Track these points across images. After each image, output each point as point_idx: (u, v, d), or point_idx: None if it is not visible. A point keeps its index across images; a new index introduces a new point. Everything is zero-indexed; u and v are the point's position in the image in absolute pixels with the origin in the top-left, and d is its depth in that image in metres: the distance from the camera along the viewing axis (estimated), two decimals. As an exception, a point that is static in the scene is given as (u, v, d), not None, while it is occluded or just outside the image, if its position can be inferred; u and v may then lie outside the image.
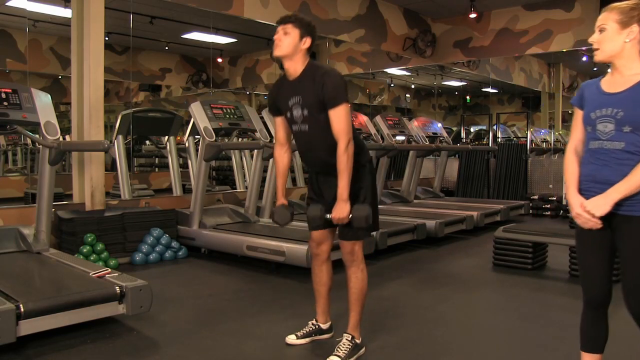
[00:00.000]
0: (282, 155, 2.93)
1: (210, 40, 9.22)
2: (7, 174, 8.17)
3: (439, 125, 8.47)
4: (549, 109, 12.51)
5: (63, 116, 7.51)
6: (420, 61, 9.76)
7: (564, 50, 8.65)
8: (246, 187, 6.76)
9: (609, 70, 2.16)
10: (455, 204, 7.83)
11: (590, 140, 2.10)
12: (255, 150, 5.78)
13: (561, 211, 8.26)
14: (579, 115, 2.18)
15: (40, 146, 4.26)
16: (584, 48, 8.98)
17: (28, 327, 2.76)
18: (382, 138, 7.28)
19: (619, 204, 1.98)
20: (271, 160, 5.68)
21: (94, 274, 3.34)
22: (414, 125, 7.91)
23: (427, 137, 7.84)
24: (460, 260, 5.41)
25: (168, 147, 7.03)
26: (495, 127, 11.23)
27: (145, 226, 5.13)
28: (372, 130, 7.15)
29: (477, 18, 9.00)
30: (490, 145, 10.78)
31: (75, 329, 3.05)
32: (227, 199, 6.44)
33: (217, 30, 8.84)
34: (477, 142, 12.60)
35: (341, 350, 2.72)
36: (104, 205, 5.22)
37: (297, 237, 4.59)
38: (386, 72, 11.73)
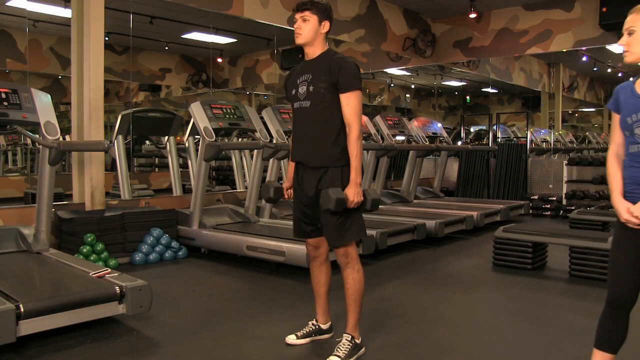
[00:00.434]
0: None
1: (210, 40, 9.22)
2: (7, 174, 8.17)
3: (439, 125, 8.48)
4: (548, 109, 12.50)
5: (63, 116, 7.51)
6: (420, 61, 9.76)
7: (564, 50, 8.65)
8: (246, 187, 6.76)
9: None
10: (455, 204, 7.83)
11: (629, 145, 2.11)
12: (255, 150, 5.78)
13: (561, 211, 8.26)
14: (616, 119, 2.17)
15: (40, 146, 4.25)
16: (584, 48, 8.98)
17: (28, 327, 2.76)
18: (382, 138, 7.28)
19: None
20: (271, 160, 5.68)
21: (94, 274, 3.34)
22: (414, 125, 7.91)
23: (427, 137, 7.84)
24: (460, 260, 5.41)
25: (168, 147, 7.03)
26: (495, 127, 11.24)
27: (145, 226, 5.13)
28: (372, 130, 7.15)
29: (477, 18, 9.00)
30: (490, 145, 10.78)
31: (75, 329, 3.05)
32: (227, 199, 6.44)
33: (217, 30, 8.84)
34: (477, 142, 12.60)
35: (341, 350, 2.72)
36: (103, 205, 5.22)
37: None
38: (386, 72, 11.74)
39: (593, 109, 15.36)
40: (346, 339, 2.76)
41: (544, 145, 10.87)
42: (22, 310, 2.72)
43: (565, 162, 8.62)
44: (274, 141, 5.55)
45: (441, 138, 8.21)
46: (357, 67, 2.70)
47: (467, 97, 14.64)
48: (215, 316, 3.50)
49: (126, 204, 5.65)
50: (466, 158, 9.81)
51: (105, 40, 5.27)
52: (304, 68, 2.78)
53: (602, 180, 7.97)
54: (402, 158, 9.18)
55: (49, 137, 4.14)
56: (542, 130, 11.47)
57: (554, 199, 8.48)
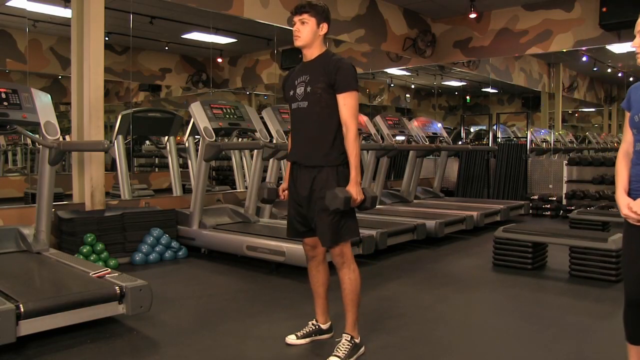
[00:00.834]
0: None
1: (210, 40, 9.22)
2: (7, 174, 8.17)
3: (439, 125, 8.48)
4: (548, 109, 12.51)
5: (63, 116, 7.51)
6: (420, 61, 9.77)
7: (564, 50, 8.65)
8: (246, 187, 6.76)
9: None
10: (455, 204, 7.83)
11: (637, 142, 2.13)
12: (255, 150, 5.78)
13: (561, 211, 8.26)
14: (627, 118, 2.19)
15: (40, 146, 4.26)
16: (584, 48, 8.98)
17: (28, 327, 2.76)
18: (382, 138, 7.28)
19: None
20: (271, 160, 5.68)
21: (94, 274, 3.34)
22: (414, 125, 7.91)
23: (427, 137, 7.84)
24: (460, 260, 5.41)
25: (168, 147, 7.03)
26: (495, 127, 11.23)
27: (145, 226, 5.13)
28: (372, 130, 7.15)
29: (477, 18, 9.00)
30: (490, 145, 10.78)
31: (75, 329, 3.05)
32: (227, 199, 6.44)
33: (217, 30, 8.84)
34: (477, 142, 12.60)
35: (341, 350, 2.72)
36: (103, 205, 5.22)
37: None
38: (386, 72, 11.73)
39: (593, 109, 15.36)
40: (345, 339, 2.76)
41: (544, 145, 10.87)
42: (22, 310, 2.72)
43: (565, 162, 8.62)
44: (274, 141, 5.55)
45: (441, 138, 8.21)
46: (354, 68, 2.73)
47: (467, 97, 14.64)
48: (215, 316, 3.50)
49: (126, 204, 5.65)
50: (466, 158, 9.81)
51: (105, 40, 5.27)
52: (302, 69, 2.81)
53: (602, 180, 7.97)
54: (402, 158, 9.18)
55: (49, 137, 4.15)
56: (542, 130, 11.47)
57: (554, 199, 8.48)
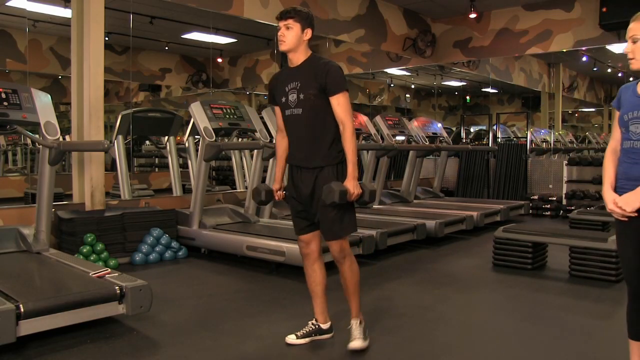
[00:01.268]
0: (282, 141, 3.04)
1: (210, 40, 9.22)
2: (7, 174, 8.17)
3: (439, 125, 8.47)
4: (548, 109, 12.51)
5: (63, 116, 7.50)
6: (420, 61, 9.76)
7: (564, 50, 8.65)
8: (246, 187, 6.76)
9: None
10: (455, 204, 7.83)
11: (624, 141, 2.22)
12: (255, 150, 5.78)
13: (561, 211, 8.26)
14: (617, 116, 2.28)
15: (40, 146, 4.26)
16: (584, 48, 8.98)
17: (28, 327, 2.76)
18: (382, 138, 7.28)
19: None
20: (271, 160, 5.68)
21: (94, 274, 3.34)
22: (414, 125, 7.90)
23: (427, 137, 7.84)
24: (460, 260, 5.41)
25: (168, 147, 7.03)
26: (495, 127, 11.23)
27: (145, 226, 5.13)
28: (372, 130, 7.15)
29: (477, 18, 9.00)
30: (490, 145, 10.78)
31: (75, 329, 3.05)
32: (227, 199, 6.44)
33: (217, 30, 8.84)
34: (477, 142, 12.60)
35: (357, 333, 2.88)
36: (103, 205, 5.22)
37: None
38: (386, 72, 11.73)
39: (593, 109, 15.36)
40: (355, 324, 2.91)
41: (544, 145, 10.87)
42: (22, 310, 2.72)
43: (565, 162, 8.62)
44: (274, 141, 5.55)
45: (441, 138, 8.21)
46: (342, 69, 2.85)
47: (467, 97, 14.64)
48: (215, 316, 3.50)
49: (126, 204, 5.65)
50: (466, 158, 9.81)
51: (105, 40, 5.27)
52: (291, 75, 2.88)
53: (602, 180, 7.95)
54: (402, 158, 9.18)
55: (49, 137, 4.15)
56: (542, 130, 11.47)
57: (554, 199, 8.48)
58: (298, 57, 2.85)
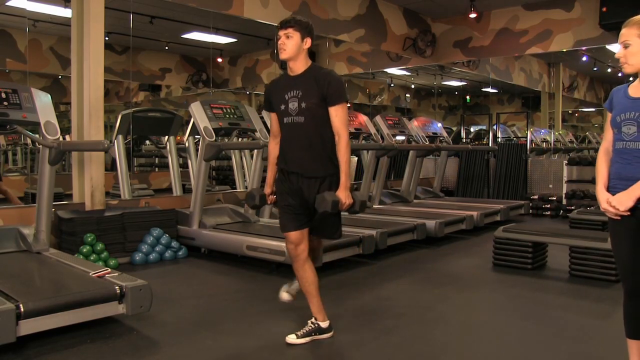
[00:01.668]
0: (275, 147, 3.12)
1: (210, 40, 9.22)
2: (7, 173, 8.16)
3: (439, 125, 8.47)
4: (548, 108, 12.51)
5: (63, 116, 7.50)
6: (420, 61, 9.76)
7: (564, 50, 8.65)
8: (246, 187, 6.76)
9: (631, 77, 2.32)
10: (455, 203, 7.83)
11: (616, 141, 2.27)
12: (255, 150, 5.78)
13: (561, 211, 8.25)
14: (609, 118, 2.33)
15: (40, 146, 4.26)
16: (583, 48, 8.98)
17: (28, 327, 2.76)
18: (382, 138, 7.28)
19: None
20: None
21: (94, 273, 3.34)
22: (414, 125, 7.90)
23: (427, 137, 7.84)
24: (460, 260, 5.41)
25: (168, 147, 7.03)
26: (495, 127, 11.23)
27: (145, 226, 5.13)
28: (372, 130, 7.15)
29: (477, 18, 9.00)
30: (490, 145, 10.78)
31: (75, 329, 3.05)
32: (227, 198, 6.44)
33: (217, 30, 8.84)
34: (477, 142, 12.60)
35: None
36: (103, 205, 5.22)
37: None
38: (386, 72, 11.73)
39: (593, 109, 15.35)
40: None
41: (544, 145, 10.87)
42: (22, 310, 2.72)
43: (565, 162, 8.62)
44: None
45: (441, 138, 8.21)
46: (342, 81, 2.97)
47: (467, 97, 14.64)
48: (215, 316, 3.50)
49: (126, 203, 5.65)
50: (466, 158, 9.81)
51: (105, 40, 5.27)
52: (291, 83, 2.94)
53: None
54: (402, 158, 9.18)
55: (49, 137, 4.14)
56: (542, 130, 11.47)
57: (554, 198, 8.48)
58: (298, 66, 2.93)
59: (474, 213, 6.68)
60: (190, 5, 6.29)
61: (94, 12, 5.07)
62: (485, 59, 10.57)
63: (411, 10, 9.12)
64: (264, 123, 5.87)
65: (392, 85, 13.26)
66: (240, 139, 6.27)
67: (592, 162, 8.28)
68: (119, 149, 6.49)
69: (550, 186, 8.91)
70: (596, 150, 12.22)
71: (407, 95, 14.07)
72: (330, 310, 3.22)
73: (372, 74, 11.23)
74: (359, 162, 9.37)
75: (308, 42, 2.91)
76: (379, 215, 6.49)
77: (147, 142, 8.87)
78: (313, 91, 2.86)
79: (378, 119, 7.37)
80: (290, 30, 2.87)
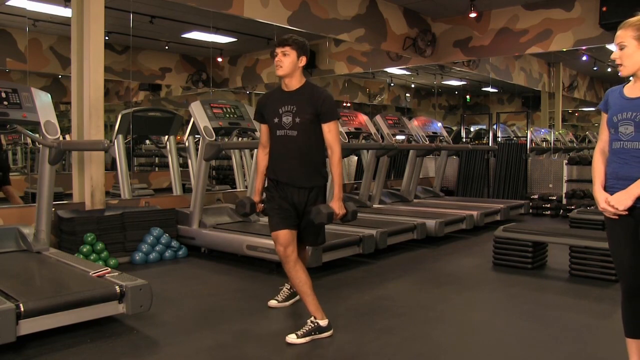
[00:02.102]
0: (264, 157, 3.28)
1: (210, 40, 9.21)
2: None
3: (439, 124, 8.47)
4: (549, 108, 12.50)
5: (63, 115, 7.50)
6: (420, 61, 9.76)
7: (564, 49, 8.65)
8: (246, 187, 6.76)
9: (631, 78, 2.31)
10: (455, 203, 7.83)
11: (613, 141, 2.29)
12: (255, 150, 5.77)
13: (561, 210, 8.25)
14: (604, 118, 2.35)
15: (40, 145, 4.26)
16: (583, 48, 8.98)
17: (28, 326, 2.76)
18: (382, 137, 7.28)
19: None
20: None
21: (94, 273, 3.34)
22: (414, 124, 7.90)
23: (427, 136, 7.84)
24: (460, 259, 5.41)
25: (168, 147, 7.03)
26: (495, 126, 11.22)
27: (145, 226, 5.13)
28: (372, 130, 7.15)
29: (477, 17, 9.00)
30: (490, 144, 10.78)
31: (75, 329, 3.05)
32: (227, 198, 6.44)
33: (217, 30, 8.84)
34: (477, 142, 12.59)
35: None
36: (103, 204, 5.22)
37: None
38: (386, 71, 11.72)
39: (593, 109, 15.33)
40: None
41: (544, 144, 10.87)
42: (22, 309, 2.72)
43: (565, 161, 8.62)
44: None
45: (441, 137, 8.21)
46: (334, 99, 3.17)
47: (467, 97, 14.62)
48: (215, 316, 3.50)
49: (126, 203, 5.65)
50: (466, 157, 9.81)
51: (105, 39, 5.26)
52: (285, 98, 3.10)
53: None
54: (402, 157, 9.18)
55: (49, 136, 4.15)
56: (542, 130, 11.46)
57: (554, 198, 8.48)
58: (293, 83, 3.09)
59: (474, 212, 6.68)
60: (190, 5, 6.28)
61: (94, 12, 5.07)
62: (485, 59, 10.57)
63: (411, 9, 9.11)
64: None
65: (392, 84, 13.25)
66: (240, 139, 6.27)
67: (591, 162, 8.27)
68: (119, 148, 6.48)
69: (550, 186, 8.91)
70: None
71: (407, 94, 14.06)
72: (330, 310, 3.22)
73: (372, 73, 11.22)
74: (359, 161, 9.38)
75: (303, 60, 3.08)
76: (379, 214, 6.49)
77: (147, 141, 8.87)
78: (307, 107, 3.03)
79: (378, 118, 7.37)
80: (287, 49, 3.03)
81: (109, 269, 3.41)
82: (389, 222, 5.77)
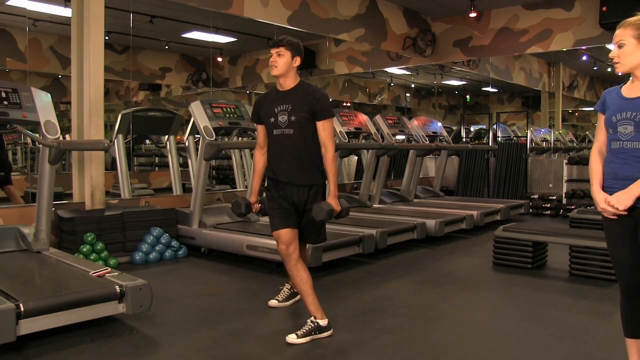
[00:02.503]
0: (261, 157, 3.32)
1: (210, 40, 9.21)
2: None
3: (439, 124, 8.47)
4: (549, 108, 12.50)
5: (63, 115, 7.50)
6: (420, 60, 9.75)
7: (564, 49, 8.65)
8: (246, 187, 6.76)
9: (630, 78, 2.34)
10: (455, 203, 7.83)
11: (611, 141, 2.29)
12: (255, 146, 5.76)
13: (561, 210, 8.25)
14: (601, 119, 2.37)
15: (40, 145, 4.25)
16: (583, 47, 8.97)
17: (28, 326, 2.77)
18: (382, 137, 7.27)
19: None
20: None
21: (94, 273, 3.34)
22: (414, 124, 7.90)
23: (427, 136, 7.84)
24: (460, 259, 5.41)
25: (168, 147, 7.03)
26: (495, 126, 11.22)
27: (145, 225, 5.13)
28: (372, 130, 7.15)
29: (477, 17, 9.00)
30: (490, 144, 10.78)
31: (75, 329, 3.05)
32: (227, 198, 6.44)
33: (217, 30, 8.84)
34: (477, 142, 12.59)
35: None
36: (103, 204, 5.22)
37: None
38: (386, 71, 11.72)
39: (593, 108, 15.35)
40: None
41: (544, 144, 10.86)
42: (22, 309, 2.72)
43: (565, 161, 8.62)
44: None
45: (441, 137, 8.21)
46: (329, 98, 3.20)
47: (467, 97, 14.62)
48: (216, 315, 3.50)
49: (126, 203, 5.65)
50: (466, 157, 9.81)
51: (105, 39, 5.26)
52: (280, 98, 3.14)
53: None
54: (402, 157, 9.18)
55: (49, 136, 4.14)
56: (542, 130, 11.46)
57: (554, 198, 8.48)
58: (288, 82, 3.13)
59: (474, 212, 6.68)
60: (190, 5, 6.28)
61: (94, 12, 5.07)
62: (485, 59, 10.56)
63: (411, 9, 9.11)
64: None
65: (392, 84, 13.25)
66: (240, 138, 6.27)
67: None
68: (119, 148, 6.48)
69: (550, 185, 8.91)
70: (596, 149, 12.25)
71: (407, 94, 14.06)
72: (330, 310, 3.22)
73: (372, 73, 11.22)
74: (359, 161, 9.38)
75: (298, 60, 3.13)
76: (379, 214, 6.49)
77: (147, 141, 8.87)
78: (302, 106, 3.06)
79: (378, 118, 7.37)
80: (281, 49, 3.08)
81: (109, 269, 3.41)
82: (389, 222, 5.77)
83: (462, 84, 13.84)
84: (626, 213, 2.20)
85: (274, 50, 3.10)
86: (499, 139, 10.71)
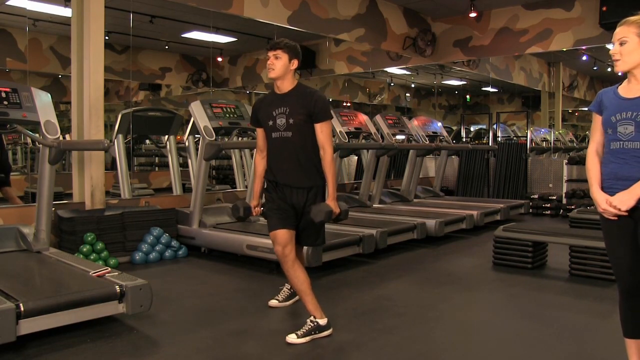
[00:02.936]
0: (262, 160, 3.32)
1: (210, 40, 9.21)
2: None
3: (439, 124, 8.47)
4: (549, 108, 12.50)
5: (63, 115, 7.50)
6: (420, 60, 9.76)
7: (564, 49, 8.65)
8: (246, 186, 6.76)
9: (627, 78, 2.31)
10: (455, 203, 7.83)
11: (611, 142, 2.26)
12: (255, 149, 5.76)
13: (561, 210, 8.25)
14: (597, 120, 2.34)
15: (40, 145, 4.26)
16: (583, 47, 8.97)
17: (28, 326, 2.77)
18: (382, 137, 7.27)
19: None
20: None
21: (94, 273, 3.34)
22: (414, 124, 7.90)
23: (427, 136, 7.84)
24: (460, 259, 5.41)
25: (168, 146, 7.03)
26: (495, 126, 11.22)
27: (145, 225, 5.13)
28: (372, 130, 7.15)
29: (477, 17, 9.00)
30: (490, 144, 10.78)
31: (75, 328, 3.05)
32: (227, 198, 6.44)
33: (217, 30, 8.84)
34: (477, 141, 12.59)
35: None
36: (103, 204, 5.22)
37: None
38: (386, 71, 11.72)
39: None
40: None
41: (544, 144, 10.86)
42: (22, 309, 2.72)
43: (565, 161, 8.62)
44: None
45: (441, 137, 8.21)
46: (327, 100, 3.25)
47: (467, 96, 14.62)
48: (216, 315, 3.50)
49: (126, 203, 5.65)
50: (466, 157, 9.81)
51: (105, 39, 5.26)
52: (278, 100, 3.15)
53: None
54: (402, 157, 9.18)
55: (49, 136, 4.14)
56: (542, 130, 11.46)
57: (554, 198, 8.48)
58: (285, 85, 3.14)
59: (474, 212, 6.68)
60: (190, 5, 6.28)
61: (94, 12, 5.07)
62: (485, 59, 10.56)
63: (411, 9, 9.11)
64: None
65: (392, 84, 13.26)
66: (240, 138, 6.27)
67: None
68: (119, 148, 6.49)
69: (550, 185, 8.91)
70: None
71: (407, 94, 14.06)
72: (330, 310, 3.22)
73: (372, 73, 11.22)
74: (359, 161, 9.38)
75: (295, 63, 3.13)
76: (379, 214, 6.49)
77: (147, 141, 8.87)
78: (300, 108, 3.06)
79: (378, 118, 7.37)
80: (279, 52, 3.08)
81: (109, 269, 3.41)
82: (389, 221, 5.77)
83: (462, 84, 13.84)
84: (627, 214, 2.19)
85: (271, 52, 3.10)
86: (499, 139, 10.72)
